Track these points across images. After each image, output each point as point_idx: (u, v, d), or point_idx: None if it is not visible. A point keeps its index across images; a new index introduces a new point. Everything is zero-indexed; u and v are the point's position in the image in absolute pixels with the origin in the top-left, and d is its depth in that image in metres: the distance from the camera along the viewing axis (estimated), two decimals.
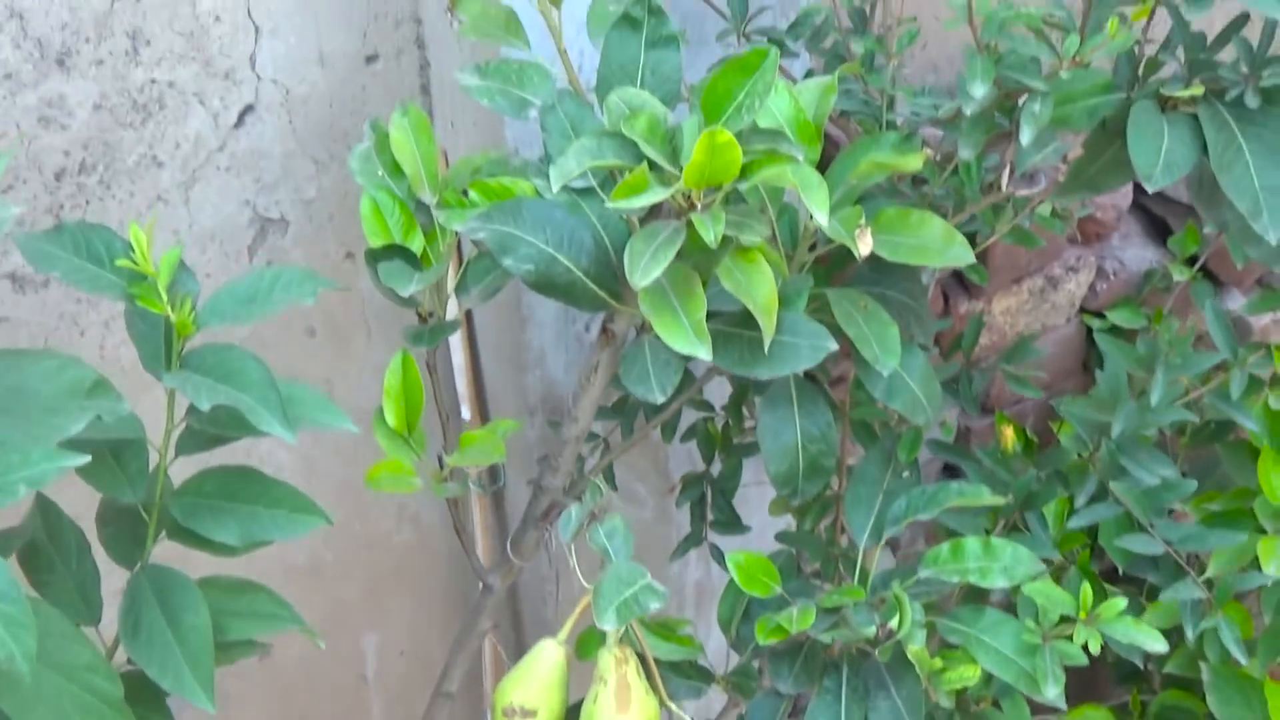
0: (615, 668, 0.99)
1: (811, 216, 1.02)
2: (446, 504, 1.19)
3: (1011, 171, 1.02)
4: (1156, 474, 1.25)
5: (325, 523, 0.96)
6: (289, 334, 1.51)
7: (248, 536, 0.92)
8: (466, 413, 1.61)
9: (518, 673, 1.03)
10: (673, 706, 1.04)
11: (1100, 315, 2.03)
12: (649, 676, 1.03)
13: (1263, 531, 1.31)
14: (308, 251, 1.45)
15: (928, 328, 1.16)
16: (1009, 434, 1.60)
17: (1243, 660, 1.22)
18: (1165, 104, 1.06)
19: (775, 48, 0.90)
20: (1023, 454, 1.62)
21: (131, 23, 1.24)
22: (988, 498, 1.08)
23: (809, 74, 1.30)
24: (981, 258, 1.82)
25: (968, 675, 1.00)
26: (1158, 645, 1.01)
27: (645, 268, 0.89)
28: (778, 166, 0.90)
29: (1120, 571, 1.37)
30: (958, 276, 1.87)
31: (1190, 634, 1.22)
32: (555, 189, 0.89)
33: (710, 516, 1.36)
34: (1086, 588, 1.00)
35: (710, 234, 0.89)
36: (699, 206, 0.93)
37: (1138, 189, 2.06)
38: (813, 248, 1.11)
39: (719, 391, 1.44)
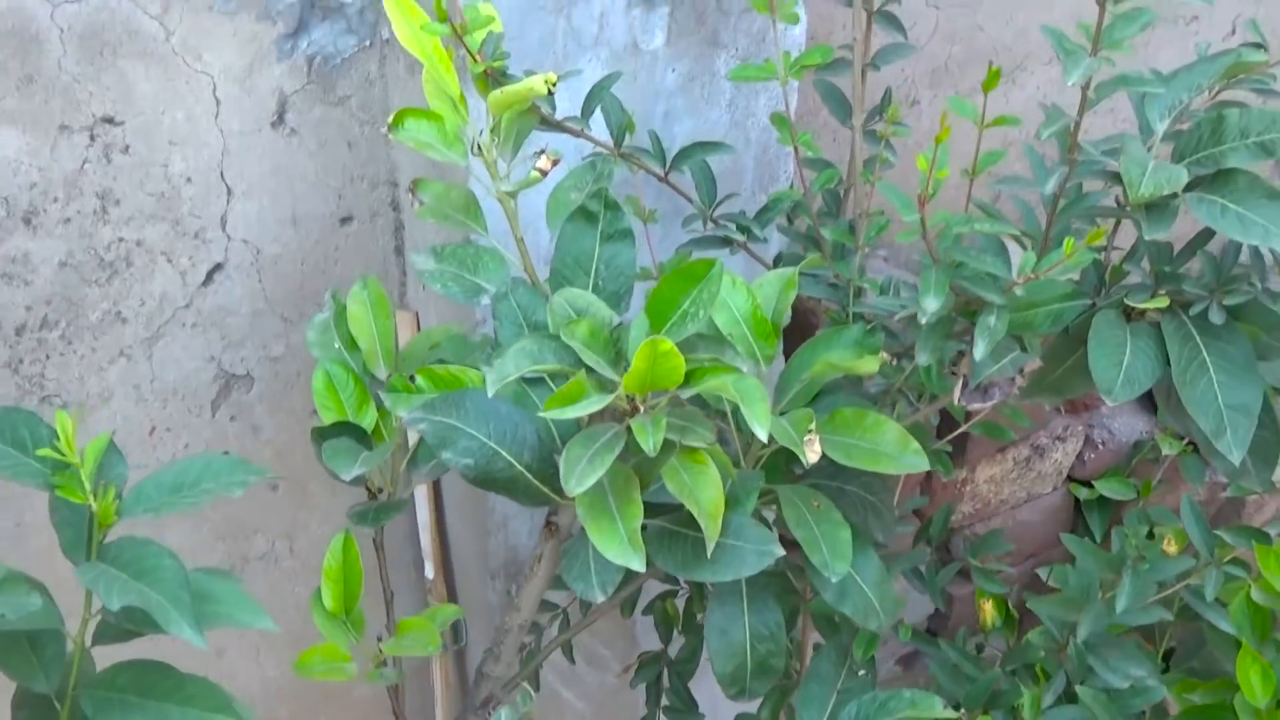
0: None
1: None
2: (387, 693, 1.16)
3: (965, 385, 1.00)
4: (1126, 675, 1.21)
5: None
6: (252, 490, 1.47)
7: None
8: (430, 571, 1.58)
9: None
10: None
11: (1088, 484, 2.00)
12: None
13: None
14: (272, 407, 1.44)
15: (888, 524, 1.13)
16: (988, 609, 1.56)
17: None
18: (1130, 314, 1.04)
19: (719, 261, 0.88)
20: (1003, 627, 1.58)
21: (102, 184, 1.24)
22: (939, 711, 1.04)
23: (778, 257, 1.29)
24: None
25: None
26: None
27: (581, 474, 0.87)
28: (720, 377, 0.88)
29: None
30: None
31: None
32: (491, 392, 0.87)
33: (664, 702, 1.32)
34: None
35: (649, 441, 0.87)
36: (642, 409, 0.91)
37: None
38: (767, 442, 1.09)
39: None
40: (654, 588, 1.40)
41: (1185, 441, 1.88)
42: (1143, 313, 1.03)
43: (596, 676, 1.57)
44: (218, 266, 1.35)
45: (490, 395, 0.88)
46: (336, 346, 1.16)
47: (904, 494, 1.58)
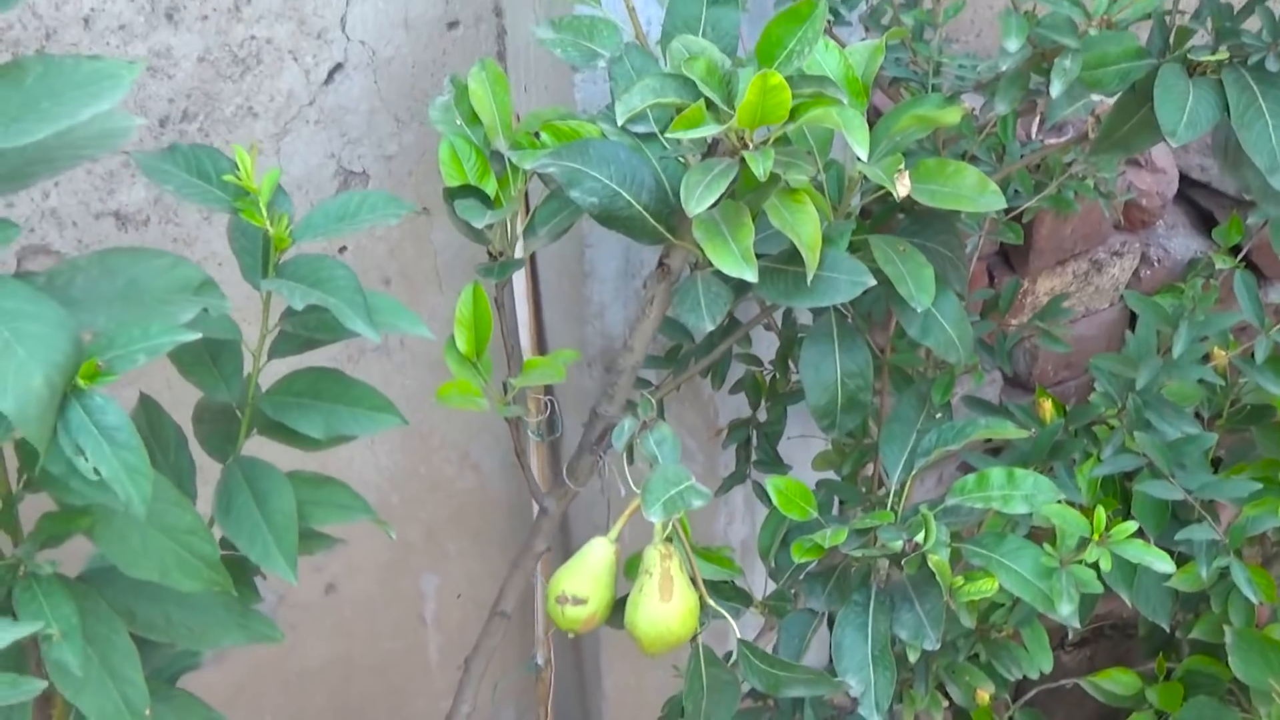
0: (660, 562, 1.08)
1: (856, 167, 1.11)
2: (509, 428, 1.28)
3: (1042, 122, 1.10)
4: (1179, 428, 1.32)
5: (402, 423, 1.05)
6: (365, 283, 1.59)
7: (330, 431, 1.02)
8: None
9: (570, 566, 1.12)
10: (711, 603, 1.13)
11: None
12: (691, 575, 1.11)
13: None
14: None
15: (963, 276, 1.24)
16: (1047, 407, 1.67)
17: (1253, 599, 1.28)
18: (1193, 69, 1.13)
19: (823, 1, 0.98)
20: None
21: None
22: (1012, 430, 1.15)
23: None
24: (1025, 236, 1.89)
25: (985, 588, 1.07)
26: (1166, 566, 1.08)
27: (700, 196, 0.98)
28: (824, 108, 0.99)
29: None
30: (1003, 255, 1.94)
31: (1204, 573, 1.28)
32: (621, 121, 0.98)
33: (754, 458, 1.45)
34: (1100, 511, 1.07)
35: (760, 168, 0.98)
36: (751, 146, 1.01)
37: (1184, 180, 2.12)
38: (860, 197, 1.20)
39: (767, 350, 1.53)
40: (737, 372, 1.52)
41: (1239, 258, 1.97)
42: (1205, 69, 1.13)
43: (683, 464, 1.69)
44: (338, 66, 1.46)
45: (619, 126, 0.99)
46: (459, 123, 1.27)
47: (972, 289, 1.68)
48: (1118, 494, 1.54)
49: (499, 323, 1.28)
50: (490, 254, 1.29)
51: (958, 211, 1.23)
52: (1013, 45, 1.02)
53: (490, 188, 1.25)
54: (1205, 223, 2.16)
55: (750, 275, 1.00)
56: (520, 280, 1.66)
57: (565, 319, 1.64)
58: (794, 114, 0.99)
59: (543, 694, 1.87)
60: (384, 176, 1.55)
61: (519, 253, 1.28)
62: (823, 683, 1.08)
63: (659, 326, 1.18)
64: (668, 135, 0.97)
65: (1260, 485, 1.31)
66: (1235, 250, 1.90)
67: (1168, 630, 1.69)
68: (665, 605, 1.06)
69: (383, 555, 1.82)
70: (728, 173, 1.00)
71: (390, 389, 1.69)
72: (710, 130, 0.97)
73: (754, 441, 1.45)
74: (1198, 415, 1.61)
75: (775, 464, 1.44)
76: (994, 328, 1.45)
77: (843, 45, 1.35)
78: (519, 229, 1.28)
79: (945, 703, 1.52)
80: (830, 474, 1.50)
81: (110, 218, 1.41)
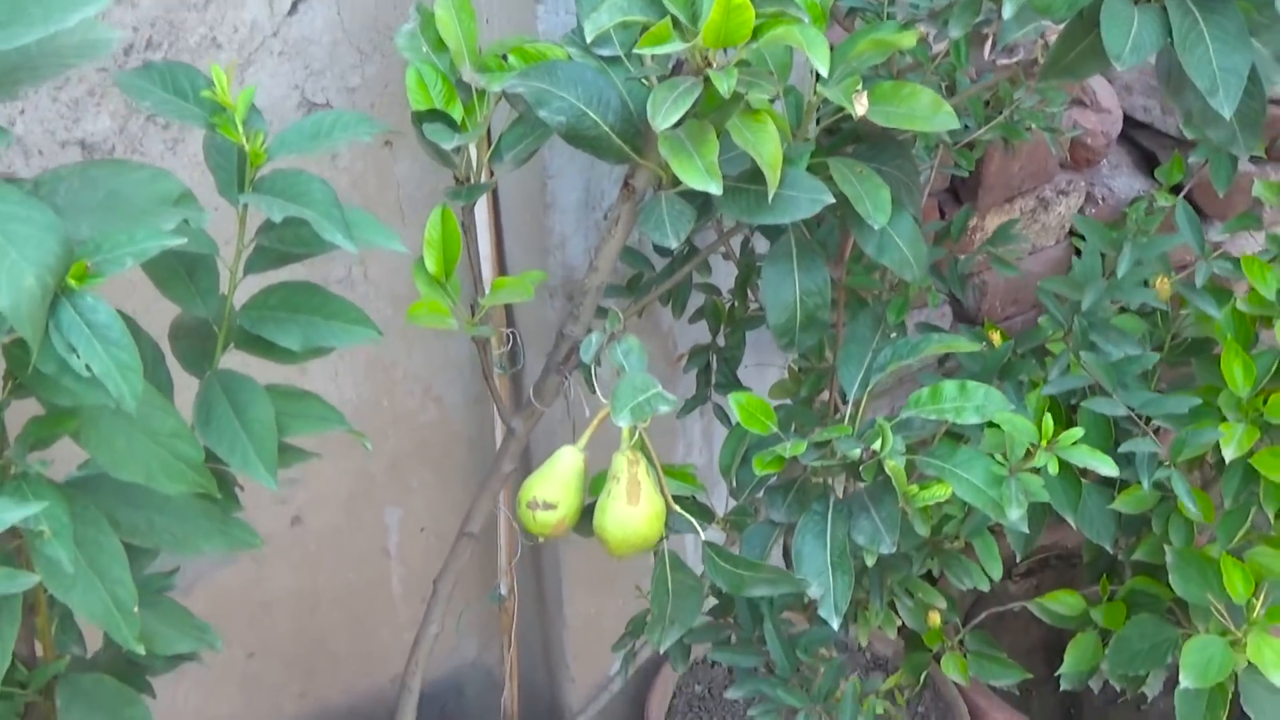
0: (627, 468, 1.11)
1: (815, 91, 1.15)
2: (477, 350, 1.31)
3: (993, 45, 1.14)
4: (1122, 349, 1.37)
5: (376, 336, 1.08)
6: None
7: (308, 342, 1.05)
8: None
9: (540, 473, 1.16)
10: (677, 508, 1.17)
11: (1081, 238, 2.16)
12: (657, 480, 1.15)
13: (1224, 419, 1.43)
14: None
15: (917, 200, 1.28)
16: (995, 338, 1.72)
17: (1192, 508, 1.34)
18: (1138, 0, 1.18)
19: None
20: None
21: None
22: (965, 344, 1.20)
23: None
24: (975, 173, 1.94)
25: (939, 493, 1.12)
26: (1108, 469, 1.13)
27: (666, 112, 1.02)
28: (786, 27, 1.02)
29: None
30: (953, 192, 1.99)
31: (1145, 484, 1.34)
32: (590, 38, 1.01)
33: (715, 381, 1.49)
34: (1048, 419, 1.12)
35: (724, 86, 1.02)
36: (714, 65, 1.05)
37: (1128, 121, 2.18)
38: (816, 122, 1.23)
39: (726, 280, 1.57)
40: (697, 301, 1.56)
41: (1180, 196, 2.03)
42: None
43: None
44: None
45: (588, 43, 1.01)
46: (425, 50, 1.29)
47: (925, 223, 1.73)
48: (1063, 419, 1.59)
49: (466, 247, 1.30)
50: (456, 179, 1.31)
51: (912, 137, 1.27)
52: None
53: (457, 113, 1.28)
54: (1148, 163, 2.22)
55: (715, 188, 1.03)
56: (482, 213, 1.68)
57: (526, 250, 1.67)
58: (757, 33, 1.03)
59: (506, 624, 1.91)
60: (347, 108, 1.56)
61: (484, 179, 1.31)
62: (785, 581, 1.13)
63: (622, 249, 1.21)
64: (635, 52, 1.00)
65: (1199, 401, 1.36)
66: (1177, 189, 1.96)
67: (1110, 554, 1.76)
68: (632, 508, 1.10)
69: (347, 488, 1.85)
70: (692, 90, 1.03)
71: None
72: (676, 47, 1.00)
73: (713, 366, 1.49)
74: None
75: (734, 387, 1.49)
76: (944, 254, 1.49)
77: None
78: (485, 156, 1.30)
79: (898, 622, 1.58)
80: (787, 401, 1.54)
81: (76, 146, 1.42)
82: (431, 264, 1.22)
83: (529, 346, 1.74)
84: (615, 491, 1.12)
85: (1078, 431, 1.13)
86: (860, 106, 1.09)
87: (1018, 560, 2.25)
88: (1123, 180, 2.16)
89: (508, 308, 1.75)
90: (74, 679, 1.07)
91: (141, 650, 0.94)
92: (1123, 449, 1.35)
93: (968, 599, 2.21)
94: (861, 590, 1.45)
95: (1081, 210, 2.12)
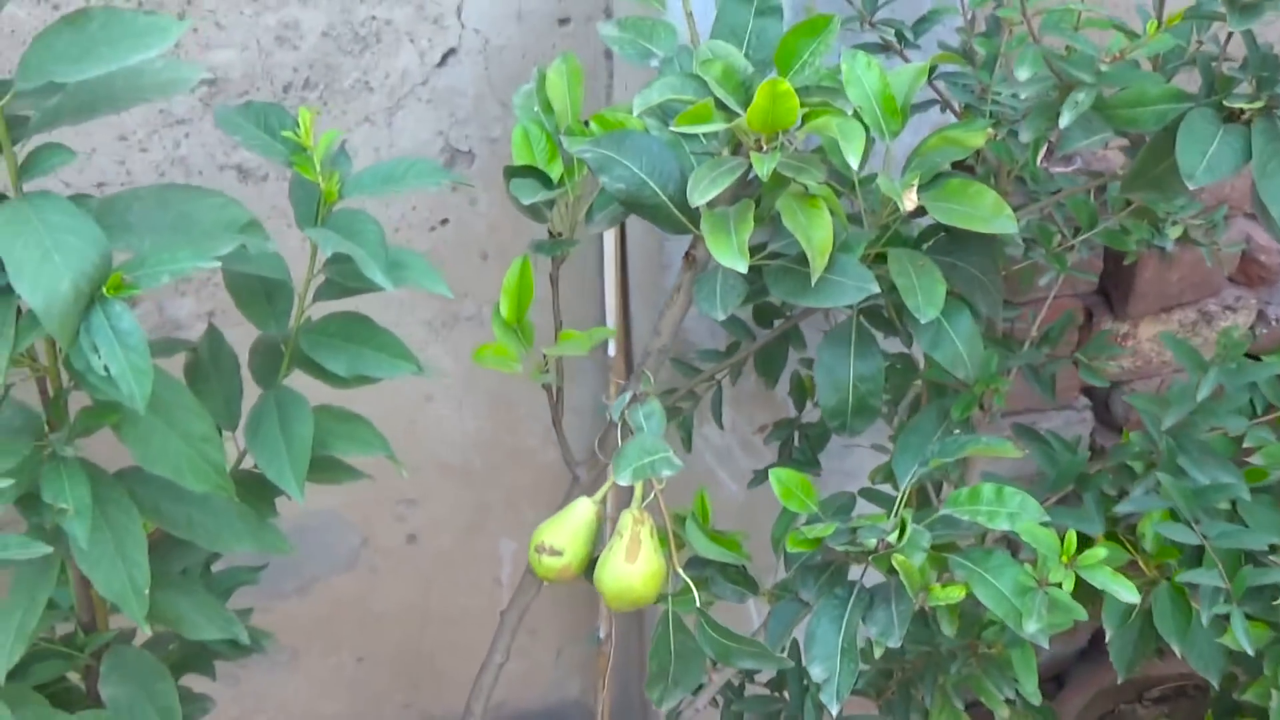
0: (631, 526, 1.15)
1: (878, 180, 1.16)
2: (547, 398, 1.37)
3: (1050, 151, 1.13)
4: (1211, 475, 1.32)
5: (416, 370, 1.15)
6: (464, 256, 1.72)
7: (353, 370, 1.13)
8: (613, 350, 1.79)
9: (553, 520, 1.21)
10: (681, 572, 1.19)
11: (1257, 359, 2.05)
12: (668, 545, 1.18)
13: None
14: (487, 183, 1.66)
15: (994, 302, 1.26)
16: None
17: (1249, 649, 1.27)
18: (1231, 116, 1.14)
19: (836, 16, 1.04)
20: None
21: None
22: (1010, 450, 1.18)
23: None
24: (1127, 280, 1.89)
25: (954, 594, 1.11)
26: (1129, 595, 1.09)
27: (703, 189, 1.06)
28: (827, 117, 1.05)
29: None
30: (1104, 295, 1.94)
31: (1205, 620, 1.27)
32: (636, 112, 1.06)
33: (794, 456, 1.50)
34: (1071, 534, 1.09)
35: (764, 168, 1.05)
36: (764, 149, 1.08)
37: None
38: (894, 217, 1.24)
39: None
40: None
41: None
42: (1242, 116, 1.14)
43: (749, 459, 1.76)
44: (451, 51, 1.57)
45: (635, 115, 1.06)
46: (535, 110, 1.37)
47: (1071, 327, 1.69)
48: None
49: (552, 299, 1.36)
50: (550, 233, 1.38)
51: (995, 237, 1.26)
52: (1023, 74, 1.06)
53: (556, 171, 1.34)
54: None
55: (741, 266, 1.06)
56: (610, 271, 1.75)
57: (646, 306, 1.72)
58: (803, 120, 1.06)
59: (603, 666, 1.95)
60: (488, 157, 1.66)
61: (579, 235, 1.37)
62: (766, 657, 1.14)
63: (685, 313, 1.25)
64: (675, 129, 1.04)
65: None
66: None
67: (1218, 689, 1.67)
68: (629, 566, 1.13)
69: (465, 516, 1.94)
70: (734, 170, 1.07)
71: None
72: (716, 127, 1.04)
73: (795, 442, 1.50)
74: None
75: (810, 465, 1.49)
76: (1040, 357, 1.46)
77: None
78: (580, 215, 1.36)
79: None
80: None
81: (233, 170, 1.56)
82: (505, 309, 1.29)
83: None
84: (616, 548, 1.15)
85: (1101, 551, 1.09)
86: (910, 202, 1.10)
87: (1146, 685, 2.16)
88: None
89: (628, 362, 1.81)
90: (120, 650, 1.17)
91: (149, 630, 1.03)
92: (1181, 579, 1.30)
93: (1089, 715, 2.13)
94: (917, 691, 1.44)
95: (1253, 329, 2.02)
